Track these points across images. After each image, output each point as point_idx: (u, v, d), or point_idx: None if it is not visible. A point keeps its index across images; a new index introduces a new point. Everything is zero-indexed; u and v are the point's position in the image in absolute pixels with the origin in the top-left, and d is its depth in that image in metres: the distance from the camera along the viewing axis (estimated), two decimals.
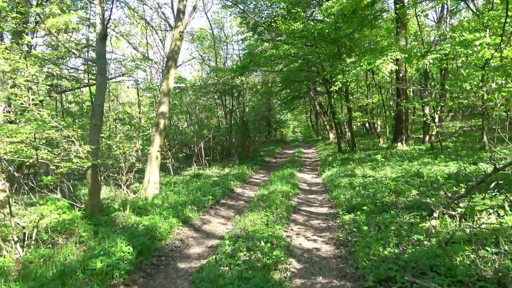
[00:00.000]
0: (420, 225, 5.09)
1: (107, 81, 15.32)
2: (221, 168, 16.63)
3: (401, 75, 16.03)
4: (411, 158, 12.32)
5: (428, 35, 17.02)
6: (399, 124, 16.40)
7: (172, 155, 17.27)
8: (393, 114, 14.60)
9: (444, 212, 5.33)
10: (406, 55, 11.23)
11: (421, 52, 11.72)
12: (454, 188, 6.48)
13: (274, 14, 18.01)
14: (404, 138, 16.50)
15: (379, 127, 23.97)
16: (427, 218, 5.53)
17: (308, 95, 33.24)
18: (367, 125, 30.28)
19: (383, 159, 10.98)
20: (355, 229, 5.69)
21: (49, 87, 13.24)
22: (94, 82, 13.40)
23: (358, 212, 6.44)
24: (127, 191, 10.11)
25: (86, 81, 14.79)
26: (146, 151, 11.23)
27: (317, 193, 10.11)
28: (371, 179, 9.36)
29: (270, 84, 31.95)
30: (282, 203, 7.99)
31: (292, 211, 7.86)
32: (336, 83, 11.43)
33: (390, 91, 16.92)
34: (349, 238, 5.50)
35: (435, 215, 5.36)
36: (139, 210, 8.22)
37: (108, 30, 15.20)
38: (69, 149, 8.48)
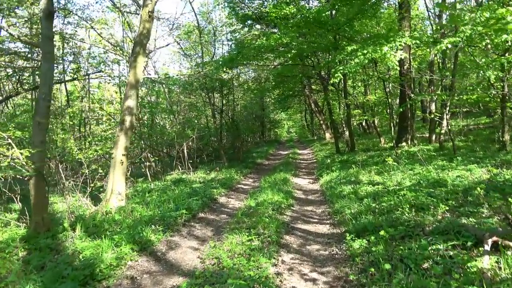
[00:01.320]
0: (469, 264, 3.47)
1: (62, 74, 13.62)
2: (208, 172, 14.98)
3: (405, 67, 14.47)
4: (422, 160, 10.75)
5: (433, 22, 15.45)
6: (404, 122, 14.82)
7: (153, 157, 15.57)
8: (401, 110, 12.98)
9: (503, 244, 3.70)
10: (418, 41, 9.66)
11: (434, 37, 10.12)
12: (498, 203, 4.90)
13: (265, 4, 16.44)
14: (410, 137, 14.94)
15: (379, 126, 22.38)
16: (473, 250, 3.91)
17: (302, 93, 31.67)
18: (364, 124, 28.79)
19: (394, 163, 9.35)
20: (370, 267, 4.03)
21: None
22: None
23: (372, 238, 4.79)
24: (87, 203, 8.40)
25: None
26: (109, 154, 9.52)
27: (315, 204, 8.46)
28: (381, 187, 7.74)
29: (263, 82, 30.36)
30: (271, 221, 6.34)
31: (284, 231, 6.20)
32: (336, 75, 9.80)
33: (389, 86, 15.33)
34: (363, 281, 3.84)
35: (487, 247, 3.73)
36: (94, 229, 6.56)
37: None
38: (5, 154, 6.78)
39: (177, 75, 14.04)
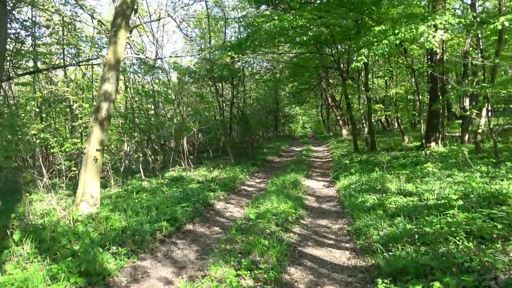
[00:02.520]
0: None
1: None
2: (211, 169, 13.51)
3: (437, 57, 12.64)
4: (457, 163, 9.03)
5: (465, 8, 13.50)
6: (434, 118, 12.99)
7: (149, 152, 14.18)
8: (438, 105, 11.23)
9: None
10: (463, 20, 7.91)
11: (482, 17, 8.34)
12: None
13: None
14: (440, 136, 13.14)
15: (402, 123, 20.45)
16: None
17: (319, 86, 29.90)
18: (383, 120, 26.86)
19: (434, 169, 7.63)
20: None
21: None
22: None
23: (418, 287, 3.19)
24: (55, 207, 6.99)
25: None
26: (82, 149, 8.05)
27: (330, 216, 6.85)
28: (415, 199, 6.10)
29: (277, 73, 28.72)
30: (272, 244, 4.78)
31: (289, 260, 4.62)
32: (359, 58, 8.12)
33: (419, 77, 13.47)
34: None
35: None
36: (50, 244, 5.14)
37: None
38: None
39: (171, 55, 12.28)
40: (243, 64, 19.76)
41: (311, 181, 10.98)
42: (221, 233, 6.01)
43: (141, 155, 11.80)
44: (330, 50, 16.41)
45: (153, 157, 14.18)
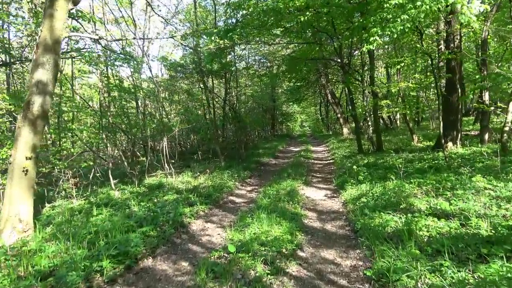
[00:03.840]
0: None
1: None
2: (197, 174, 11.85)
3: (455, 43, 10.98)
4: (487, 169, 7.41)
5: None
6: (451, 115, 11.32)
7: (130, 154, 12.52)
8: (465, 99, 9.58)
9: None
10: None
11: None
12: None
13: None
14: (458, 136, 11.49)
15: (414, 122, 18.79)
16: None
17: (317, 83, 28.22)
18: (385, 118, 25.21)
19: (483, 183, 5.91)
20: None
21: None
22: None
23: None
24: None
25: None
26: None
27: (339, 245, 5.13)
28: (457, 224, 4.43)
29: (273, 67, 27.05)
30: None
31: None
32: (371, 39, 6.46)
33: (437, 66, 11.73)
34: None
35: None
36: None
37: None
38: None
39: (144, 38, 10.30)
40: (235, 57, 18.05)
41: (310, 189, 9.30)
42: (189, 274, 4.33)
43: (123, 159, 10.08)
44: (330, 40, 14.71)
45: (130, 160, 12.49)
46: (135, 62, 10.36)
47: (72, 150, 10.18)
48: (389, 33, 6.40)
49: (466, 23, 6.10)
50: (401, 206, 5.30)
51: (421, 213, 5.03)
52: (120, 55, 10.73)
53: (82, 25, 7.78)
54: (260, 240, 4.85)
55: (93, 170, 10.73)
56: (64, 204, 8.49)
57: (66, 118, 15.21)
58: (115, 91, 11.59)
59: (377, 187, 7.13)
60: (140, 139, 11.76)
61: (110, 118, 11.32)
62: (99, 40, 7.59)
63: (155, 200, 8.10)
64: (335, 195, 8.46)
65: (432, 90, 21.81)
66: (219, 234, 5.89)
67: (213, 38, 10.53)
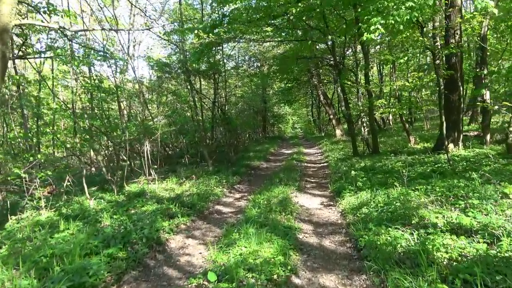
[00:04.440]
0: None
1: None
2: (182, 180, 11.05)
3: (456, 39, 10.35)
4: (499, 173, 6.74)
5: None
6: (452, 114, 10.69)
7: (110, 158, 11.66)
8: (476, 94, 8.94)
9: None
10: None
11: None
12: None
13: None
14: (460, 136, 10.86)
15: (407, 122, 18.12)
16: None
17: (309, 83, 27.57)
18: (378, 119, 24.59)
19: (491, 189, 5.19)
20: None
21: None
22: None
23: None
24: None
25: None
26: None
27: (340, 268, 4.33)
28: (484, 245, 3.70)
29: (263, 67, 26.34)
30: None
31: None
32: (372, 28, 5.72)
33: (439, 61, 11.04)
34: None
35: None
36: None
37: None
38: None
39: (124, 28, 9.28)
40: (224, 57, 17.27)
41: (304, 196, 8.54)
42: None
43: (102, 164, 9.22)
44: (323, 37, 14.00)
45: (116, 164, 11.64)
46: (115, 59, 9.50)
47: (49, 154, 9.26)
48: (392, 22, 5.66)
49: (483, 9, 5.38)
50: (413, 221, 4.53)
51: (436, 228, 4.29)
52: (99, 52, 9.89)
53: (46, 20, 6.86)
54: (247, 263, 4.06)
55: (67, 176, 9.83)
56: (34, 216, 7.65)
57: (48, 122, 14.34)
58: (94, 91, 10.75)
59: (379, 195, 6.39)
60: (121, 142, 10.88)
61: (87, 121, 10.47)
62: (64, 32, 6.71)
63: (132, 211, 7.29)
64: (332, 203, 7.71)
65: (424, 89, 21.30)
66: (200, 253, 5.09)
67: (196, 32, 9.69)
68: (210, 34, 10.06)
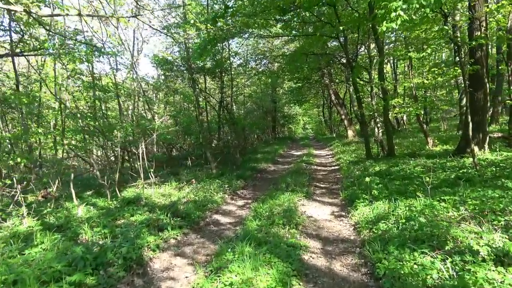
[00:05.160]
0: None
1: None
2: (183, 183, 10.34)
3: (482, 31, 9.37)
4: None
5: None
6: (477, 114, 9.72)
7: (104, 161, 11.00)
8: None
9: None
10: None
11: None
12: None
13: None
14: (484, 138, 9.89)
15: (425, 123, 17.03)
16: None
17: (320, 83, 26.62)
18: (392, 119, 23.55)
19: None
20: None
21: None
22: None
23: None
24: None
25: None
26: None
27: None
28: None
29: (274, 67, 25.50)
30: None
31: None
32: (392, 15, 4.85)
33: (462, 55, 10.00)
34: None
35: None
36: None
37: None
38: None
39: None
40: (231, 54, 16.49)
41: (313, 204, 7.69)
42: None
43: (95, 166, 8.56)
44: (335, 33, 13.11)
45: (121, 166, 10.96)
46: (106, 54, 8.79)
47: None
48: (417, 6, 4.77)
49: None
50: (447, 247, 3.63)
51: (474, 255, 3.42)
52: (94, 47, 9.20)
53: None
54: None
55: (57, 180, 9.15)
56: (16, 225, 6.98)
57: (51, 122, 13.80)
58: (88, 90, 10.09)
59: (399, 207, 5.50)
60: (116, 143, 10.19)
61: (80, 121, 9.81)
62: (39, 20, 5.98)
63: (121, 221, 6.56)
64: (343, 213, 6.84)
65: (439, 89, 20.18)
66: (187, 277, 4.29)
67: (198, 24, 8.90)
68: (212, 27, 9.27)
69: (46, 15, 6.09)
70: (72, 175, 8.42)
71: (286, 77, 23.18)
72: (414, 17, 5.76)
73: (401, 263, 3.65)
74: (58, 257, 4.29)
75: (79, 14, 4.94)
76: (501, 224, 4.11)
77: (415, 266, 3.49)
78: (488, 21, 9.82)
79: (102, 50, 9.07)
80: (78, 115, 9.74)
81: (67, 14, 4.74)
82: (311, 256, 4.66)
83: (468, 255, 3.42)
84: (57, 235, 5.66)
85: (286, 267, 3.98)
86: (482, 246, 3.43)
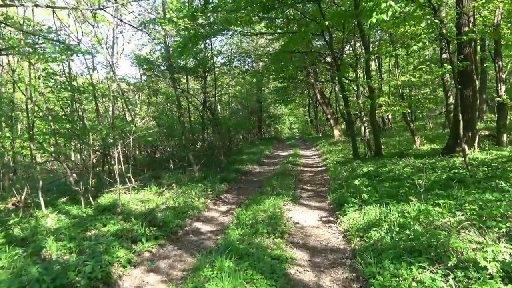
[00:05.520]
0: None
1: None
2: (164, 188, 9.83)
3: (469, 27, 9.13)
4: None
5: None
6: (467, 112, 9.47)
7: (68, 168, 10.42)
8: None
9: None
10: None
11: None
12: None
13: None
14: (474, 137, 9.67)
15: (411, 122, 16.81)
16: None
17: (306, 82, 26.35)
18: (377, 118, 23.38)
19: None
20: None
21: None
22: None
23: None
24: None
25: None
26: None
27: None
28: None
29: (258, 67, 25.14)
30: None
31: None
32: (383, 6, 4.47)
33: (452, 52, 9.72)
34: None
35: None
36: None
37: None
38: None
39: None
40: (213, 53, 16.02)
41: (299, 209, 7.29)
42: None
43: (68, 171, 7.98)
44: (320, 31, 12.76)
45: (102, 169, 10.39)
46: (75, 52, 8.22)
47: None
48: None
49: None
50: (450, 263, 3.24)
51: (479, 270, 3.05)
52: (66, 45, 8.61)
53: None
54: None
55: (25, 187, 8.55)
56: None
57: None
58: (59, 91, 9.50)
59: (392, 212, 5.14)
60: (94, 146, 9.62)
61: (52, 123, 9.22)
62: None
63: (91, 233, 6.04)
64: (332, 218, 6.46)
65: (423, 87, 20.09)
66: None
67: (175, 19, 8.39)
68: (191, 23, 8.78)
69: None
70: (41, 182, 7.80)
71: (271, 76, 22.80)
72: (405, 9, 5.39)
73: (397, 279, 3.27)
74: (11, 279, 3.77)
75: (36, 5, 4.41)
76: (503, 232, 3.77)
77: (414, 284, 3.10)
78: (475, 17, 9.61)
79: (76, 48, 8.51)
80: (50, 117, 9.15)
81: (22, 5, 4.23)
82: (297, 270, 4.24)
83: (473, 271, 3.06)
84: (18, 250, 5.11)
85: (270, 285, 3.55)
86: (490, 262, 3.06)
